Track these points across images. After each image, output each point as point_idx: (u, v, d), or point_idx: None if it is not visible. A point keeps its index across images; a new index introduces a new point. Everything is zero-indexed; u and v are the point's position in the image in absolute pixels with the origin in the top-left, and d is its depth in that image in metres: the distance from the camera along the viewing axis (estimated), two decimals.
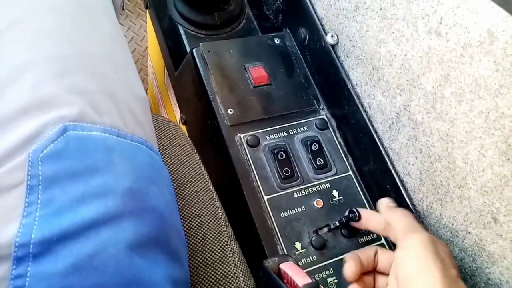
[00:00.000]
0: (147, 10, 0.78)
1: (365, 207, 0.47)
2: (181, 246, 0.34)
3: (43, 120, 0.28)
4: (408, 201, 0.44)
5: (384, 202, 0.43)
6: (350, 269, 0.38)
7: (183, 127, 0.67)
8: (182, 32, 0.63)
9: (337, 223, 0.43)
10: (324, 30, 0.53)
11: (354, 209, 0.42)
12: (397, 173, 0.45)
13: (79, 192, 0.27)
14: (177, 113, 0.71)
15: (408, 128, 0.43)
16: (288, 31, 0.59)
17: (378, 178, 0.47)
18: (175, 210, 0.35)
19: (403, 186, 0.45)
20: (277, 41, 0.57)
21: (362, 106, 0.49)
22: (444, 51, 0.37)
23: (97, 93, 0.32)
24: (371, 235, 0.46)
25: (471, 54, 0.35)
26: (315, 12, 0.54)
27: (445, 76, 0.38)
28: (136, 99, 0.36)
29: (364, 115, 0.48)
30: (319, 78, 0.55)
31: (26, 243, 0.25)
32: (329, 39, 0.51)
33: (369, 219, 0.42)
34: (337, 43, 0.51)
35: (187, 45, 0.62)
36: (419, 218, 0.44)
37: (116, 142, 0.31)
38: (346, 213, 0.43)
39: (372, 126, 0.48)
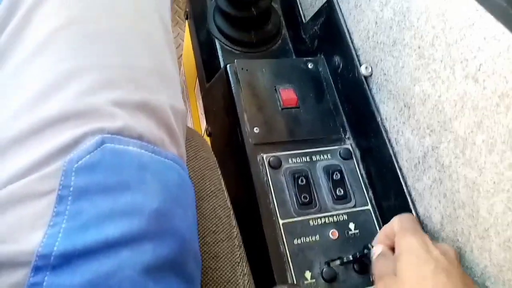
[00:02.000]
0: (186, 20, 0.80)
1: None
2: (196, 269, 0.33)
3: (83, 130, 0.29)
4: None
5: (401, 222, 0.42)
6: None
7: (207, 139, 0.68)
8: (218, 46, 0.64)
9: (351, 258, 0.43)
10: (359, 60, 0.53)
11: (369, 245, 0.42)
12: (417, 215, 0.45)
13: (107, 208, 0.27)
14: (203, 124, 0.72)
15: (434, 170, 0.42)
16: (322, 57, 0.59)
17: None
18: (195, 232, 0.35)
19: (423, 228, 0.44)
20: (310, 65, 0.58)
21: (389, 141, 0.48)
22: (479, 98, 0.37)
23: (139, 106, 0.32)
24: None
25: (507, 105, 0.34)
26: (352, 42, 0.54)
27: (478, 123, 0.37)
28: (175, 113, 0.36)
29: (390, 150, 0.47)
30: (348, 107, 0.54)
31: (47, 254, 0.25)
32: (363, 70, 0.51)
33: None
34: (371, 75, 0.51)
35: (221, 60, 0.63)
36: None
37: (150, 159, 0.31)
38: (361, 249, 0.43)
39: (397, 162, 0.47)
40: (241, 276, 0.38)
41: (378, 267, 0.38)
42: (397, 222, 0.40)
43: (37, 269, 0.25)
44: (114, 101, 0.31)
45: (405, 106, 0.46)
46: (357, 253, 0.42)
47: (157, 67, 0.36)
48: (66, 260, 0.25)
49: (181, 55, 0.97)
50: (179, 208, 0.32)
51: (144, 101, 0.32)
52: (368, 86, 0.51)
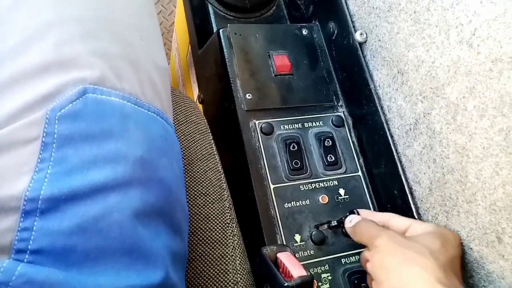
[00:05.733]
0: None
1: (370, 209, 0.47)
2: (183, 221, 0.34)
3: (64, 79, 0.29)
4: (414, 209, 0.44)
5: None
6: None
7: (200, 106, 0.67)
8: (211, 11, 0.62)
9: (336, 222, 0.43)
10: (354, 26, 0.52)
11: (354, 210, 0.42)
12: (406, 180, 0.45)
13: (91, 155, 0.27)
14: (195, 92, 0.71)
15: (425, 137, 0.42)
16: (317, 23, 0.58)
17: (387, 182, 0.47)
18: (182, 185, 0.36)
19: (411, 194, 0.45)
20: (304, 32, 0.57)
21: (382, 108, 0.48)
22: (473, 63, 0.37)
23: (119, 58, 0.32)
24: None
25: (501, 70, 0.34)
26: (347, 8, 0.53)
27: (471, 88, 0.37)
28: (157, 69, 0.36)
29: (382, 117, 0.47)
30: (341, 74, 0.54)
31: (35, 198, 0.25)
32: (358, 37, 0.50)
33: (368, 217, 0.42)
34: (365, 41, 0.51)
35: (214, 25, 0.61)
36: None
37: (132, 110, 0.31)
38: (348, 214, 0.43)
39: (389, 129, 0.47)
40: (231, 237, 0.38)
41: (364, 228, 0.39)
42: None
43: (26, 214, 0.25)
44: (94, 51, 0.30)
45: (398, 72, 0.46)
46: (343, 218, 0.43)
47: (136, 23, 0.36)
48: (54, 204, 0.26)
49: (174, 22, 0.95)
50: (163, 159, 0.32)
51: (125, 54, 0.32)
52: (362, 53, 0.51)
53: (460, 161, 0.39)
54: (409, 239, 0.36)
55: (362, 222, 0.40)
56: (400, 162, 0.46)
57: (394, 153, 0.46)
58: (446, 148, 0.40)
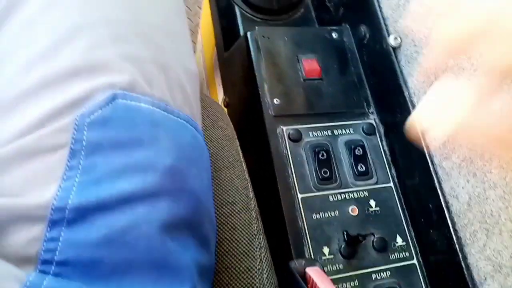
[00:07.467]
0: None
1: (402, 222, 0.45)
2: (211, 233, 0.33)
3: (94, 84, 0.28)
4: (450, 224, 0.41)
5: None
6: None
7: (224, 110, 0.66)
8: (238, 13, 0.61)
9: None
10: (387, 30, 0.50)
11: None
12: (443, 194, 0.43)
13: (120, 163, 0.27)
14: (220, 95, 0.70)
15: (465, 149, 0.40)
16: (347, 26, 0.56)
17: (421, 195, 0.45)
18: (210, 195, 0.35)
19: (448, 208, 0.42)
20: (334, 35, 0.55)
21: None
22: None
23: (150, 63, 0.31)
24: (403, 253, 0.44)
25: None
26: (381, 11, 0.51)
27: None
28: (187, 74, 0.35)
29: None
30: (373, 80, 0.52)
31: (62, 207, 0.25)
32: (392, 41, 0.48)
33: None
34: (400, 46, 0.48)
35: (241, 27, 0.60)
36: (460, 245, 0.41)
37: (162, 117, 0.30)
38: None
39: (424, 140, 0.45)
40: (258, 249, 0.37)
41: None
42: None
43: (53, 223, 0.24)
44: (124, 56, 0.30)
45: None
46: (359, 236, 0.41)
47: (166, 26, 0.35)
48: (81, 214, 0.25)
49: (198, 23, 0.94)
50: (193, 168, 0.31)
51: (154, 58, 0.32)
52: (396, 58, 0.49)
53: (504, 177, 0.36)
54: None
55: None
56: (436, 174, 0.44)
57: (430, 165, 0.44)
58: (488, 162, 0.38)
